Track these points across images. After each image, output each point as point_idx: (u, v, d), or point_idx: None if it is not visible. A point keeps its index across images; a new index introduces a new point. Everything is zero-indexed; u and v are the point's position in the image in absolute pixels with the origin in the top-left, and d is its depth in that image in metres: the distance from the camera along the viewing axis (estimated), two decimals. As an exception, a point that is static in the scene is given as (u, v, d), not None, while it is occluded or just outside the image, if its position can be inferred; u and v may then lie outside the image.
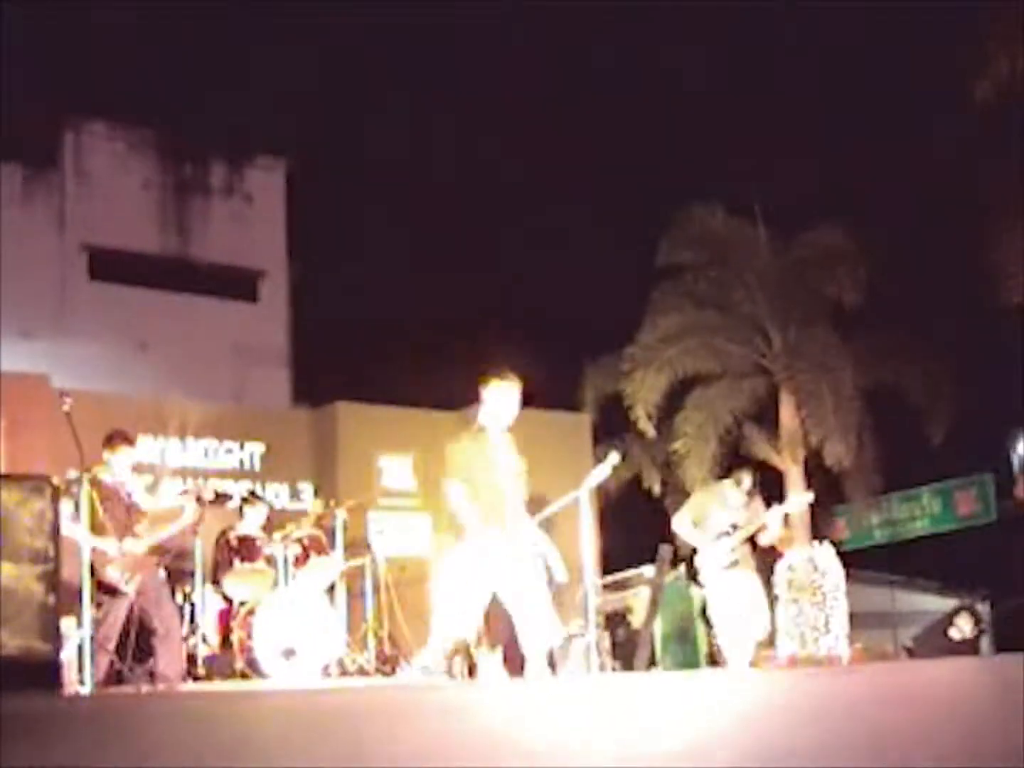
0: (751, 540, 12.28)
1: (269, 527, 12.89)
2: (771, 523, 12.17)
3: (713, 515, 12.02)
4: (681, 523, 12.12)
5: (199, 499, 11.10)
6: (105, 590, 9.21)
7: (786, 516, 17.59)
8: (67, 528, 9.32)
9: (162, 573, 12.02)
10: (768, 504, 12.50)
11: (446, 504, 9.19)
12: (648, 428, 19.96)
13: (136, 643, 10.10)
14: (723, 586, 11.97)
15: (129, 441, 10.44)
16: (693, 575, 12.29)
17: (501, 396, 9.51)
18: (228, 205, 24.42)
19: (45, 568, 6.62)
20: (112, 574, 9.39)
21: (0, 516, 6.57)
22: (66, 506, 9.30)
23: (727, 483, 12.23)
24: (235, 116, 23.66)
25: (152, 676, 9.85)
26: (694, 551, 12.24)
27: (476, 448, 9.34)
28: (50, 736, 4.25)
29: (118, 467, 10.20)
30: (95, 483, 9.74)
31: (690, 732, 5.54)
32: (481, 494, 9.17)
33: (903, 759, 5.93)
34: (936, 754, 5.86)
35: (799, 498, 12.85)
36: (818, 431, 19.69)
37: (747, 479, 12.12)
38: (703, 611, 13.26)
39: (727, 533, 11.94)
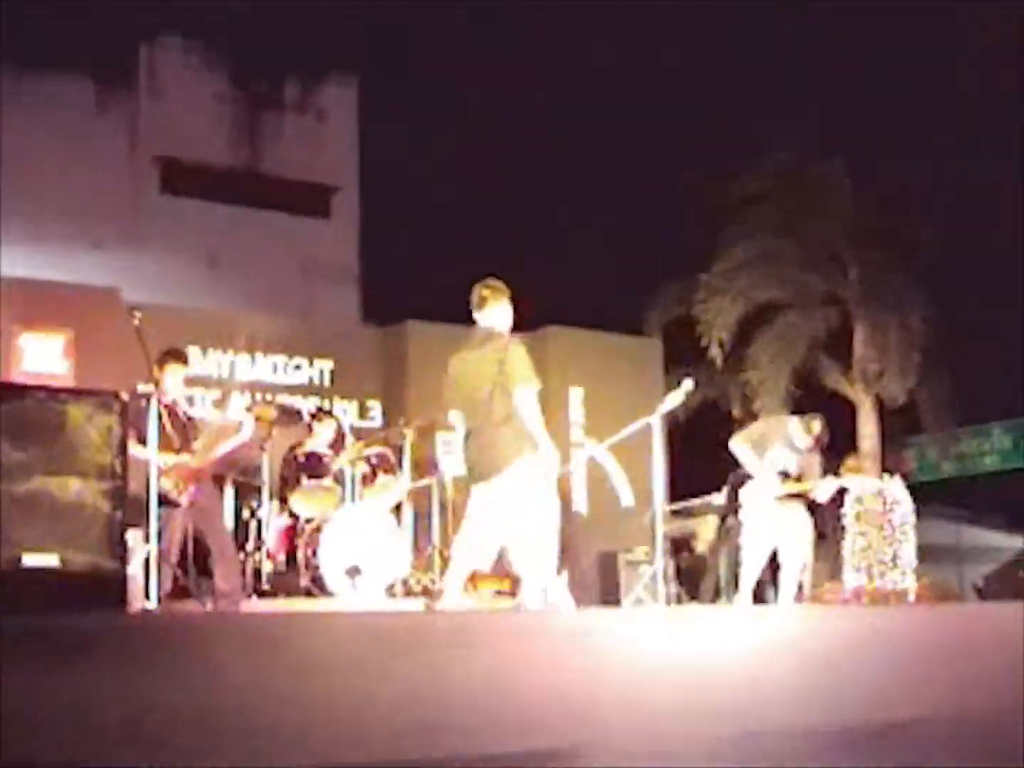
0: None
1: (338, 444, 12.86)
2: (822, 491, 11.76)
3: (774, 449, 11.67)
4: (740, 447, 11.66)
5: (259, 418, 11.07)
6: (159, 501, 9.18)
7: (856, 448, 17.49)
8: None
9: (227, 490, 12.08)
10: (827, 461, 12.14)
11: (523, 412, 8.51)
12: (719, 356, 19.83)
13: (196, 558, 10.14)
14: (767, 521, 11.63)
15: (180, 359, 10.35)
16: (735, 506, 11.94)
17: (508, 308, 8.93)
18: (301, 121, 24.35)
19: (112, 484, 6.58)
20: (165, 484, 9.36)
21: (67, 431, 6.53)
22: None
23: (796, 422, 11.85)
24: (309, 31, 23.50)
25: (213, 593, 9.86)
26: (741, 482, 11.87)
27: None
28: (117, 654, 4.22)
29: (170, 385, 10.14)
30: (155, 403, 9.72)
31: (750, 665, 5.49)
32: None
33: (970, 700, 5.85)
34: (1001, 700, 5.77)
35: (861, 481, 12.57)
36: (890, 364, 19.53)
37: (817, 427, 11.77)
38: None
39: (780, 475, 11.59)
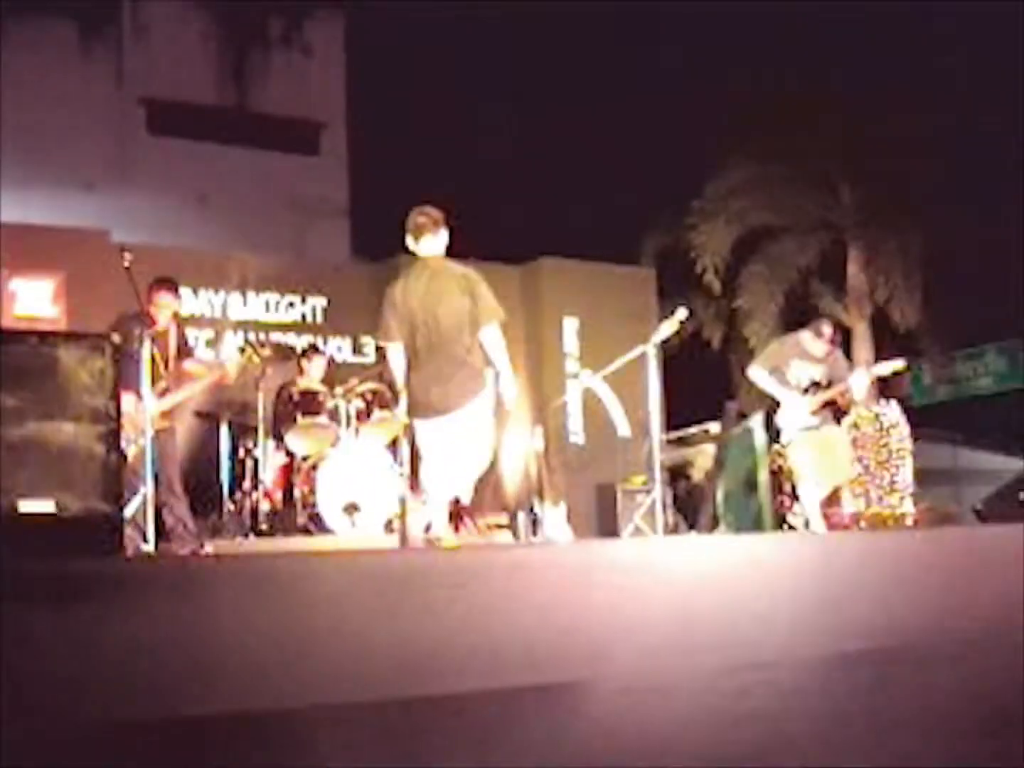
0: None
1: (330, 380, 12.84)
2: (856, 386, 11.65)
3: (793, 366, 11.52)
4: (758, 373, 11.47)
5: (248, 362, 11.02)
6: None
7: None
8: None
9: (222, 429, 12.06)
10: (851, 361, 12.07)
11: (494, 348, 8.36)
12: (714, 282, 19.76)
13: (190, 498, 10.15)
14: (811, 443, 11.51)
15: (171, 287, 10.30)
16: (774, 434, 11.84)
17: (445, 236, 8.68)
18: (287, 57, 24.23)
19: (106, 427, 6.54)
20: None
21: (59, 375, 6.50)
22: None
23: (805, 333, 11.72)
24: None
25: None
26: (772, 409, 11.78)
27: None
28: (114, 599, 4.21)
29: (160, 313, 10.10)
30: (143, 325, 9.67)
31: (749, 595, 5.48)
32: None
33: (973, 623, 5.85)
34: (1003, 621, 5.77)
35: (889, 364, 12.44)
36: (885, 289, 19.49)
37: (827, 329, 11.66)
38: (773, 471, 12.89)
39: (808, 390, 11.48)
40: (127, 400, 9.22)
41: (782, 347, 11.86)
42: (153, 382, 9.66)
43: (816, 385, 11.36)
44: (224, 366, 10.83)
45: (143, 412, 9.46)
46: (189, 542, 9.91)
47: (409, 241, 8.55)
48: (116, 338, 6.90)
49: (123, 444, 9.02)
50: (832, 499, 13.31)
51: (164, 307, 10.19)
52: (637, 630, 5.00)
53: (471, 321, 8.31)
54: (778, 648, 5.24)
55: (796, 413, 11.30)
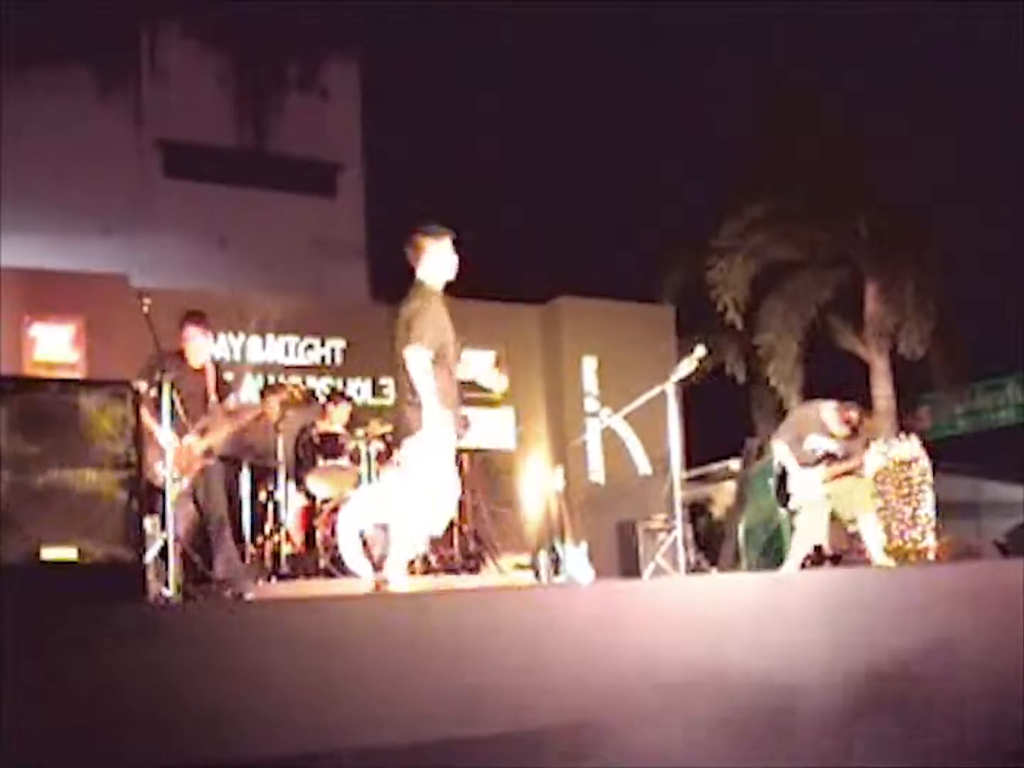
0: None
1: (351, 424, 12.86)
2: (869, 463, 11.78)
3: (811, 439, 11.65)
4: (779, 445, 11.68)
5: (279, 395, 11.01)
6: (155, 492, 9.11)
7: (870, 405, 17.42)
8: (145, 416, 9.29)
9: (243, 473, 12.07)
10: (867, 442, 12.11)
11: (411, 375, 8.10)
12: (736, 318, 19.72)
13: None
14: (813, 510, 11.57)
15: (198, 321, 10.29)
16: (784, 499, 11.88)
17: (442, 252, 8.73)
18: (304, 99, 24.33)
19: (128, 474, 6.55)
20: (159, 471, 9.28)
21: (81, 422, 6.51)
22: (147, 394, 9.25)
23: (831, 411, 11.77)
24: (309, 9, 23.44)
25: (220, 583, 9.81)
26: (783, 474, 11.83)
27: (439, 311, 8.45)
28: (136, 645, 4.21)
29: (192, 351, 10.12)
30: (181, 364, 9.74)
31: (776, 632, 5.47)
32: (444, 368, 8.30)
33: (997, 655, 5.82)
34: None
35: (907, 447, 12.50)
36: (895, 320, 19.45)
37: (854, 415, 11.74)
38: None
39: (821, 460, 11.55)
40: (169, 439, 9.25)
41: (806, 419, 11.93)
42: (193, 421, 9.70)
43: (830, 456, 11.47)
44: (266, 403, 10.84)
45: (183, 451, 9.51)
46: (236, 585, 9.89)
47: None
48: (141, 384, 6.95)
49: (167, 483, 9.06)
50: (853, 534, 13.29)
51: (194, 340, 10.20)
52: (661, 669, 4.99)
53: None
54: (804, 685, 5.22)
55: (808, 487, 11.42)
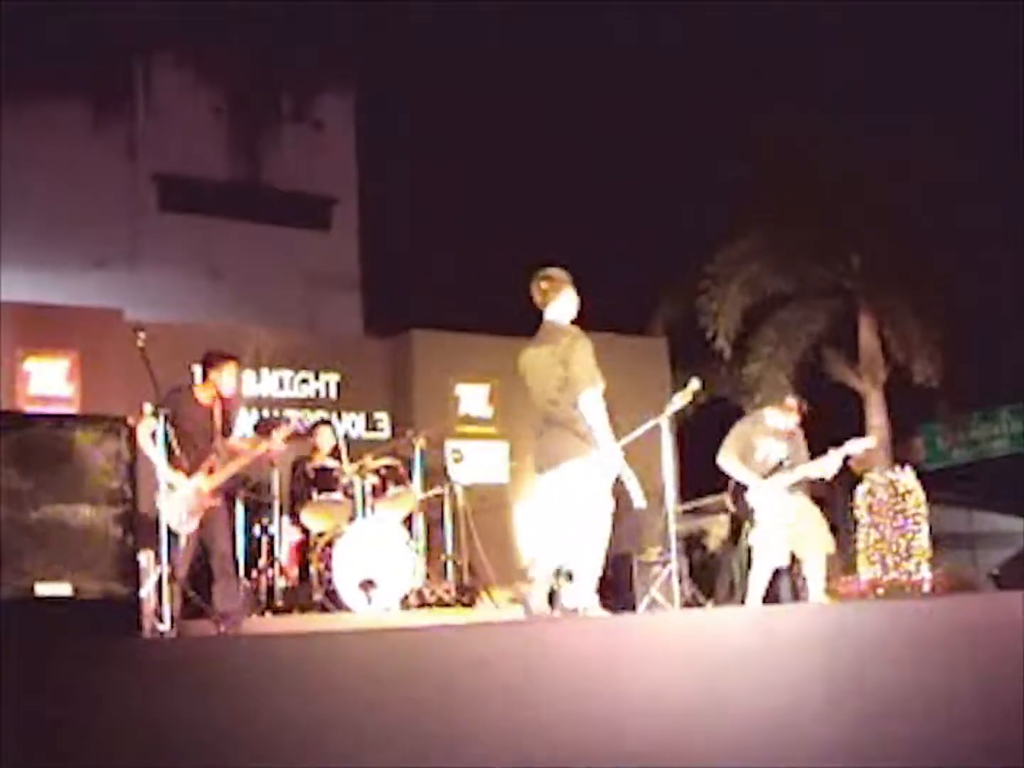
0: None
1: (338, 454, 12.87)
2: (829, 467, 11.59)
3: (759, 444, 11.55)
4: (726, 459, 11.47)
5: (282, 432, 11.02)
6: (163, 530, 9.11)
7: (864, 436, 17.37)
8: (147, 447, 9.30)
9: (237, 507, 12.07)
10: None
11: (588, 416, 8.64)
12: (728, 349, 19.69)
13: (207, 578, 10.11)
14: (776, 529, 11.36)
15: (233, 358, 10.32)
16: (748, 513, 11.72)
17: (572, 292, 9.25)
18: (299, 132, 24.36)
19: (123, 509, 6.57)
20: (171, 515, 9.28)
21: (76, 458, 6.52)
22: (149, 426, 9.27)
23: (768, 410, 11.71)
24: (304, 43, 23.50)
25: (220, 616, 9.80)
26: (743, 488, 11.67)
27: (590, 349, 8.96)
28: (130, 680, 4.21)
29: (226, 385, 10.13)
30: (191, 400, 9.75)
31: (772, 667, 5.46)
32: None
33: (992, 691, 5.82)
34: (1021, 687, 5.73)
35: (859, 442, 12.42)
36: (902, 350, 19.44)
37: (791, 400, 11.72)
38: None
39: (779, 466, 11.42)
40: (178, 479, 9.27)
41: (747, 427, 11.84)
42: (201, 459, 9.72)
43: (781, 465, 11.34)
44: (271, 439, 10.82)
45: (194, 493, 9.53)
46: (236, 623, 9.88)
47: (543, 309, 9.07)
48: (131, 420, 6.96)
49: (176, 522, 9.08)
50: (848, 567, 13.27)
51: (229, 376, 10.23)
52: (656, 705, 4.99)
53: (568, 388, 8.70)
54: (799, 720, 5.22)
55: (766, 496, 11.28)
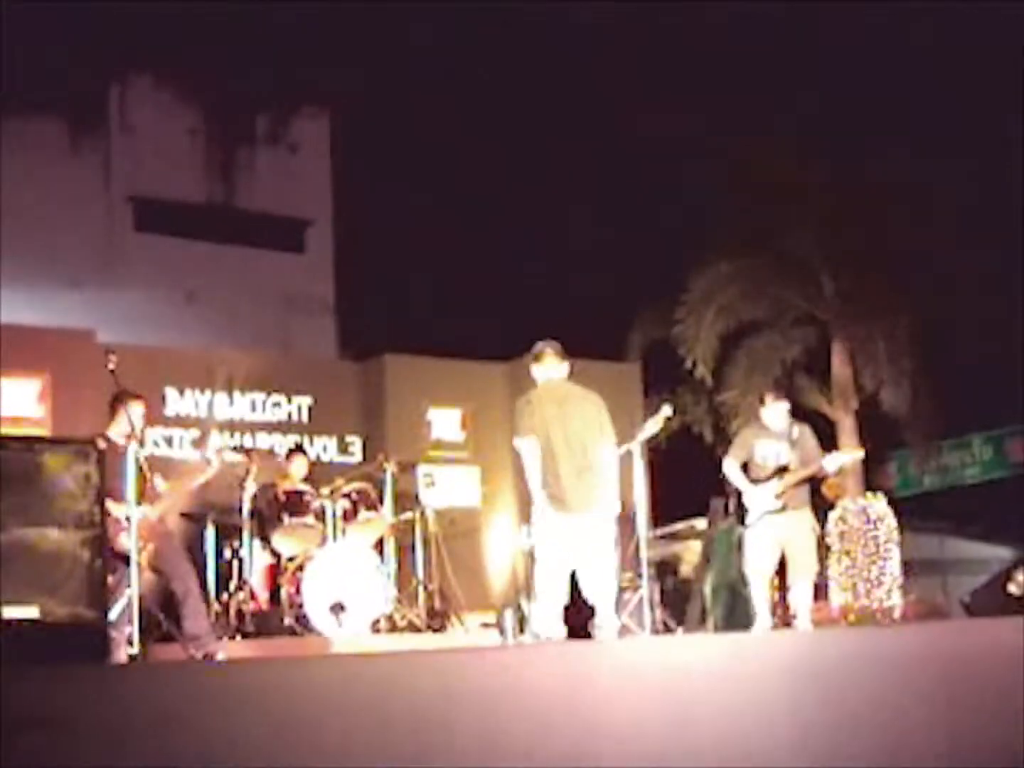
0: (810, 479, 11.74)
1: (313, 479, 12.85)
2: (828, 468, 11.59)
3: (758, 447, 11.55)
4: (727, 465, 11.54)
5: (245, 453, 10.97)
6: (119, 558, 9.05)
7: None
8: None
9: (207, 530, 12.03)
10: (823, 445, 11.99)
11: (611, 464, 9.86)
12: (706, 375, 19.68)
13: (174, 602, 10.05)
14: (762, 532, 11.45)
15: (134, 396, 10.21)
16: (741, 516, 11.75)
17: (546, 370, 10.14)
18: (273, 155, 24.34)
19: (91, 533, 6.54)
20: (125, 543, 9.22)
21: (44, 481, 6.49)
22: None
23: (765, 409, 11.71)
24: (280, 65, 23.52)
25: (183, 638, 9.74)
26: (739, 492, 11.68)
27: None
28: (97, 704, 4.19)
29: (133, 423, 10.04)
30: (106, 442, 9.59)
31: (741, 694, 5.45)
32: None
33: (962, 721, 5.82)
34: (995, 716, 5.74)
35: (852, 453, 12.46)
36: (873, 379, 19.47)
37: (770, 392, 11.80)
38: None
39: (776, 474, 11.37)
40: (131, 511, 9.23)
41: (748, 430, 11.90)
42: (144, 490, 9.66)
43: (784, 469, 11.29)
44: (205, 464, 10.71)
45: (142, 522, 9.46)
46: (206, 644, 9.82)
47: (535, 368, 10.11)
48: (101, 443, 6.92)
49: (133, 550, 9.02)
50: (818, 593, 13.25)
51: (134, 413, 10.16)
52: (626, 731, 4.97)
53: (602, 436, 9.78)
54: (768, 747, 5.21)
55: (759, 498, 11.24)
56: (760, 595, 11.34)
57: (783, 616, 12.42)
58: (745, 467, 11.48)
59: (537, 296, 23.30)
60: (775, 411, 11.52)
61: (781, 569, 11.65)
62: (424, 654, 7.82)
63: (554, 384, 9.99)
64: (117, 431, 9.96)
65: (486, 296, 23.54)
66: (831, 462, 11.51)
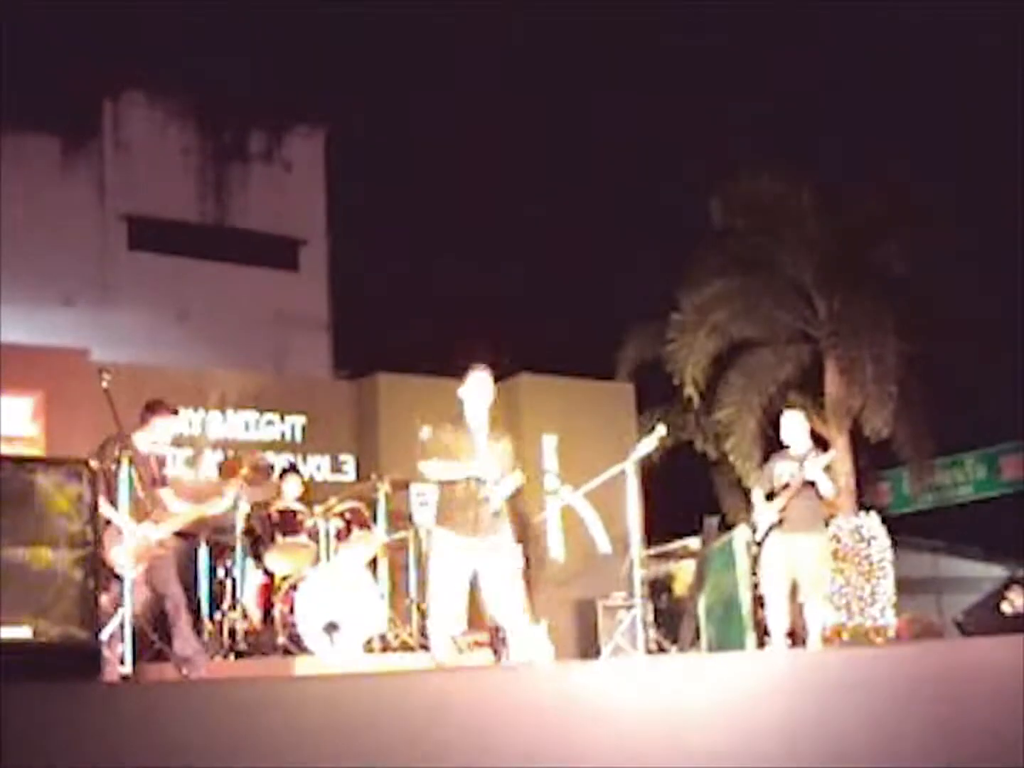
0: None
1: (306, 498, 12.83)
2: (810, 470, 11.52)
3: (777, 467, 11.54)
4: (755, 493, 11.70)
5: (240, 473, 10.94)
6: (115, 575, 9.03)
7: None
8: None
9: (201, 549, 12.01)
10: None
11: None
12: (694, 395, 19.68)
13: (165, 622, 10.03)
14: (772, 550, 11.41)
15: (171, 410, 10.30)
16: (752, 529, 11.75)
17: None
18: (267, 173, 24.35)
19: (84, 552, 6.54)
20: (117, 558, 9.19)
21: (37, 501, 6.48)
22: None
23: (786, 423, 11.70)
24: (273, 83, 23.56)
25: (175, 658, 9.72)
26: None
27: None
28: (89, 724, 4.18)
29: (159, 434, 10.09)
30: (127, 448, 9.58)
31: (735, 714, 5.45)
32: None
33: (956, 741, 5.81)
34: (989, 736, 5.73)
35: (825, 456, 12.52)
36: (858, 399, 19.47)
37: (786, 410, 11.87)
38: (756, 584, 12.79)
39: (783, 489, 11.34)
40: (130, 527, 9.20)
41: (771, 459, 11.92)
42: (142, 506, 9.63)
43: (786, 486, 11.29)
44: (217, 497, 10.68)
45: (140, 541, 9.43)
46: (195, 666, 9.79)
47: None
48: (94, 463, 6.92)
49: (121, 571, 8.99)
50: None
51: (164, 425, 10.20)
52: (618, 752, 4.97)
53: None
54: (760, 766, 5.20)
55: (763, 515, 11.24)
56: (774, 614, 11.31)
57: (798, 634, 12.41)
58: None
59: (531, 316, 23.34)
60: (788, 422, 11.54)
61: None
62: (417, 673, 7.81)
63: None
64: (144, 439, 9.99)
65: (479, 315, 23.57)
66: (809, 469, 11.43)
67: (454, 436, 9.57)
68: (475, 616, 14.06)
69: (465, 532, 9.18)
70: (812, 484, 11.30)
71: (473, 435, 9.53)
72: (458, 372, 15.46)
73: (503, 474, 9.32)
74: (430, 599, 9.27)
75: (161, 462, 10.38)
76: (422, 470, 9.70)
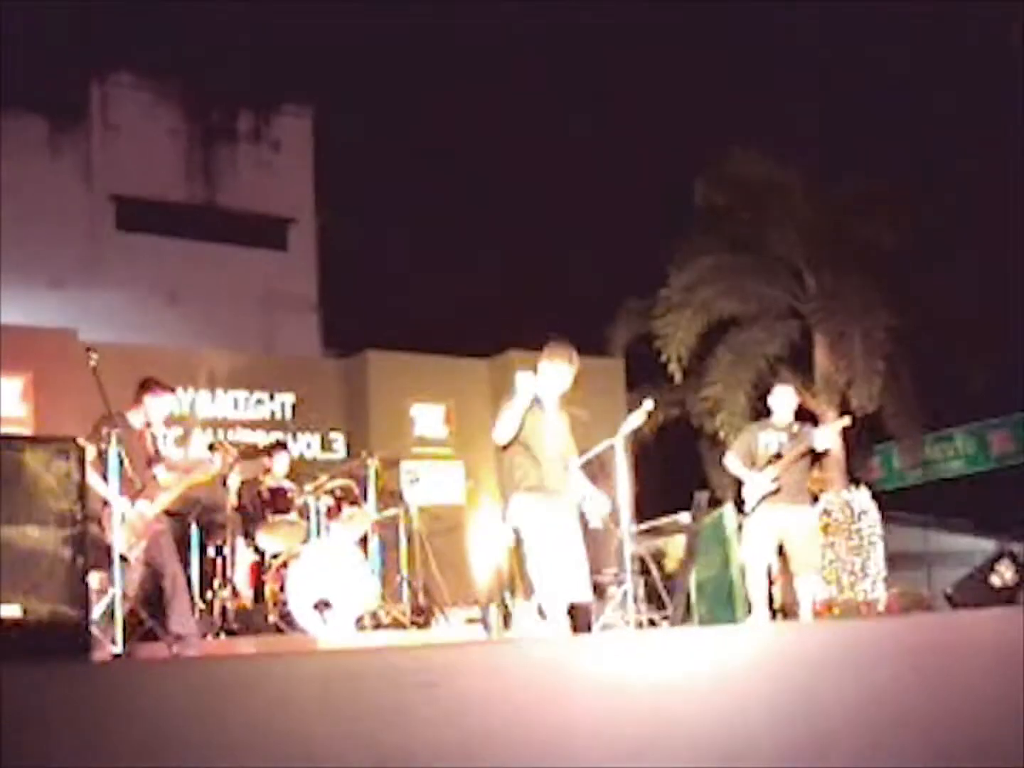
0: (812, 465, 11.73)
1: (296, 476, 12.82)
2: (819, 440, 11.49)
3: (761, 437, 11.55)
4: (729, 459, 11.62)
5: (226, 451, 10.93)
6: (108, 553, 9.03)
7: (822, 457, 17.46)
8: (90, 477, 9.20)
9: (191, 528, 12.00)
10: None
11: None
12: (678, 372, 19.64)
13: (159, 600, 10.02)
14: (760, 521, 11.42)
15: (166, 388, 10.28)
16: (740, 506, 11.73)
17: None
18: (256, 153, 24.32)
19: (72, 531, 6.53)
20: (120, 537, 9.20)
21: (25, 479, 6.47)
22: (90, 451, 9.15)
23: (774, 397, 11.70)
24: (261, 63, 23.50)
25: (168, 636, 9.72)
26: (742, 483, 11.63)
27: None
28: (80, 703, 4.17)
29: (153, 413, 10.09)
30: (121, 426, 9.57)
31: (721, 690, 5.46)
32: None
33: (945, 712, 5.82)
34: (978, 708, 5.74)
35: (838, 422, 12.46)
36: (846, 375, 19.46)
37: (778, 382, 11.85)
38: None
39: (771, 462, 11.32)
40: (125, 505, 9.20)
41: (751, 426, 11.95)
42: (136, 484, 9.64)
43: (779, 456, 11.25)
44: (209, 463, 10.71)
45: (137, 518, 9.44)
46: (190, 644, 9.80)
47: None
48: (89, 443, 6.91)
49: (126, 550, 8.99)
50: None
51: (159, 404, 10.19)
52: (609, 726, 4.97)
53: None
54: (755, 742, 5.20)
55: (756, 485, 11.21)
56: (757, 586, 11.30)
57: (789, 607, 12.41)
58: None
59: (521, 292, 23.32)
60: (780, 396, 11.55)
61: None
62: (407, 649, 7.81)
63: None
64: (137, 417, 9.99)
65: (469, 292, 23.55)
66: (820, 436, 11.45)
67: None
68: (466, 592, 14.12)
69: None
70: (804, 456, 11.31)
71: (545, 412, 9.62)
72: (447, 349, 15.43)
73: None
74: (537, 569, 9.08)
75: (155, 440, 10.38)
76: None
